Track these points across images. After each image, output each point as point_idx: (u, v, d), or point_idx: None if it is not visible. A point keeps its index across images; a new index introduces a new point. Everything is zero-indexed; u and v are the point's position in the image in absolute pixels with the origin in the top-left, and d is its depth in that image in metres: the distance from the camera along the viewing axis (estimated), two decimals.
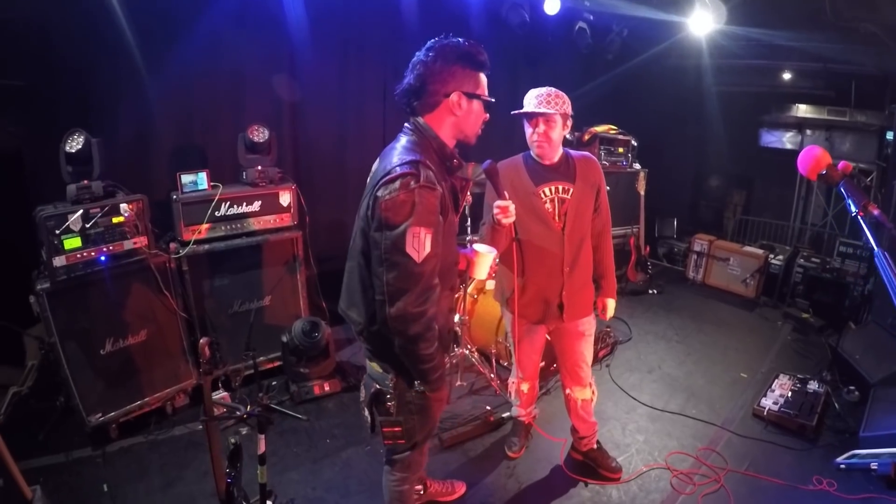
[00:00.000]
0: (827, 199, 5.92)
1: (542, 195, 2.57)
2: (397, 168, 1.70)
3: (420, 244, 1.66)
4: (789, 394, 3.67)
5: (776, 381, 3.86)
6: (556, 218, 2.58)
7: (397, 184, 1.67)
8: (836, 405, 3.64)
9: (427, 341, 1.78)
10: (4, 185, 3.20)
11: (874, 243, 1.37)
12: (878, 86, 5.18)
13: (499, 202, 2.23)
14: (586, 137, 5.52)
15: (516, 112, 2.54)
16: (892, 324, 3.97)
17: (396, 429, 2.03)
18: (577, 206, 2.60)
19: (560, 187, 2.58)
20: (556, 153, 2.61)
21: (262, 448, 2.23)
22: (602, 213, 2.76)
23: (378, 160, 1.91)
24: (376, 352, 1.98)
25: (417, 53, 1.79)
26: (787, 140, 6.07)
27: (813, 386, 3.75)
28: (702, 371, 4.24)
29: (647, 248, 5.83)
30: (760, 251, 5.63)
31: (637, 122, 5.95)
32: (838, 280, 5.03)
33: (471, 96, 1.82)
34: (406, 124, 1.87)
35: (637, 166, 5.79)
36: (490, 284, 3.92)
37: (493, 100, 1.87)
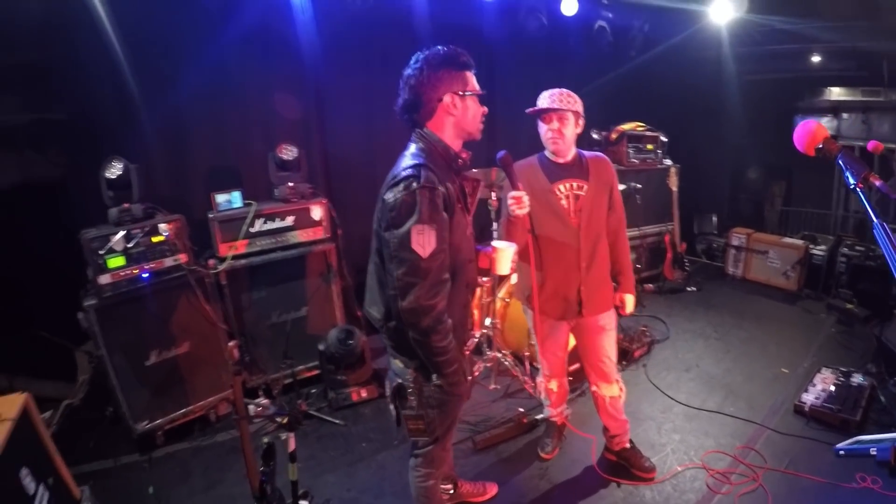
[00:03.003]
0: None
1: (558, 192, 2.63)
2: (401, 172, 1.84)
3: (425, 241, 1.78)
4: (832, 388, 3.55)
5: (818, 375, 3.74)
6: (573, 214, 2.64)
7: (401, 186, 1.81)
8: (882, 398, 3.51)
9: (439, 333, 1.87)
10: (51, 211, 3.42)
11: (873, 215, 1.35)
12: None
13: (513, 192, 2.31)
14: (614, 136, 5.48)
15: (531, 110, 2.61)
16: None
17: (419, 422, 2.11)
18: (591, 202, 2.65)
19: (575, 184, 2.64)
20: (570, 151, 2.67)
21: (291, 446, 2.34)
22: (616, 211, 2.80)
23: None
24: (396, 347, 2.08)
25: (405, 70, 1.93)
26: (823, 125, 5.88)
27: (857, 379, 3.63)
28: (741, 368, 4.16)
29: (684, 245, 5.74)
30: (800, 242, 5.48)
31: (666, 117, 5.88)
32: (883, 268, 4.83)
33: (462, 94, 1.93)
34: (413, 135, 2.00)
35: (668, 162, 5.71)
36: None
37: (484, 92, 2.00)
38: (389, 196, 1.83)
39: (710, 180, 6.72)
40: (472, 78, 1.98)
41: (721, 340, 4.64)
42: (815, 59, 5.54)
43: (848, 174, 1.42)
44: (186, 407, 3.50)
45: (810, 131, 1.57)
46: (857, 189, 1.40)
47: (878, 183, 1.38)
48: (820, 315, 4.99)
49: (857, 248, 5.21)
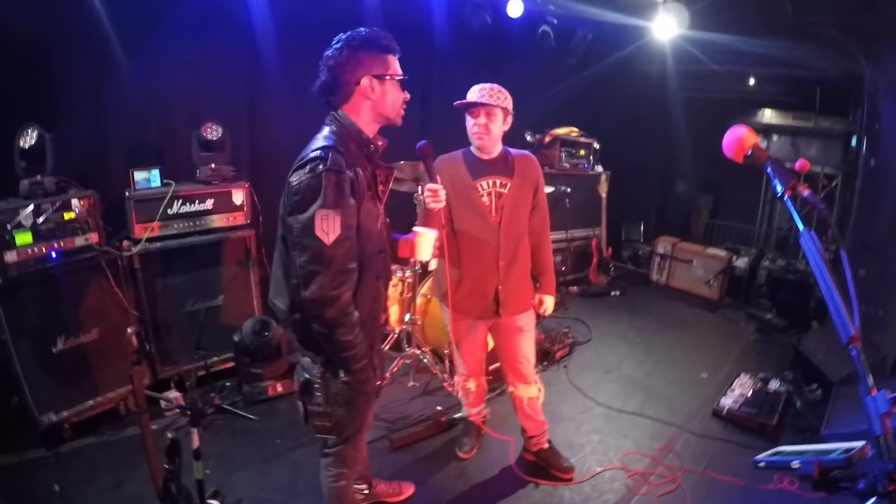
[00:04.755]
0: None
1: (480, 188, 2.58)
2: (309, 154, 1.76)
3: (329, 227, 1.69)
4: (750, 393, 3.66)
5: (737, 380, 3.86)
6: (493, 212, 2.59)
7: (306, 168, 1.73)
8: (798, 404, 3.65)
9: (344, 326, 1.79)
10: None
11: (800, 224, 1.33)
12: (842, 91, 5.24)
13: (430, 185, 2.25)
14: (547, 139, 5.54)
15: (458, 103, 2.54)
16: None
17: (325, 420, 2.02)
18: (514, 201, 2.61)
19: (498, 181, 2.59)
20: (496, 148, 2.63)
21: (195, 443, 2.21)
22: (541, 212, 2.78)
23: None
24: (302, 341, 1.98)
25: (325, 51, 1.86)
26: (753, 131, 6.09)
27: (774, 385, 3.75)
28: (662, 372, 4.24)
29: (610, 250, 5.86)
30: (724, 253, 5.66)
31: (602, 126, 5.99)
32: (802, 281, 5.06)
33: (381, 78, 1.86)
34: (327, 117, 1.92)
35: (599, 169, 5.82)
36: None
37: (406, 77, 1.92)
38: (294, 179, 1.75)
39: (639, 189, 6.88)
40: (394, 62, 1.91)
41: (643, 344, 4.73)
42: (751, 81, 5.75)
43: (776, 182, 1.41)
44: (95, 398, 3.28)
45: (739, 138, 1.53)
46: (785, 197, 1.38)
47: (805, 192, 1.35)
48: (740, 324, 5.16)
49: (779, 261, 5.44)
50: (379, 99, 1.88)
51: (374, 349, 2.01)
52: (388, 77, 1.88)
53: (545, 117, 5.66)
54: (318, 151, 1.74)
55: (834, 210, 5.36)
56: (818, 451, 1.23)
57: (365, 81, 1.84)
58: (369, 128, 1.93)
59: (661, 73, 5.97)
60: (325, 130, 1.87)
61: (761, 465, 1.34)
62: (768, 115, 5.92)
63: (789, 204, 1.39)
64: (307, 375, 1.98)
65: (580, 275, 5.92)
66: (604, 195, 5.62)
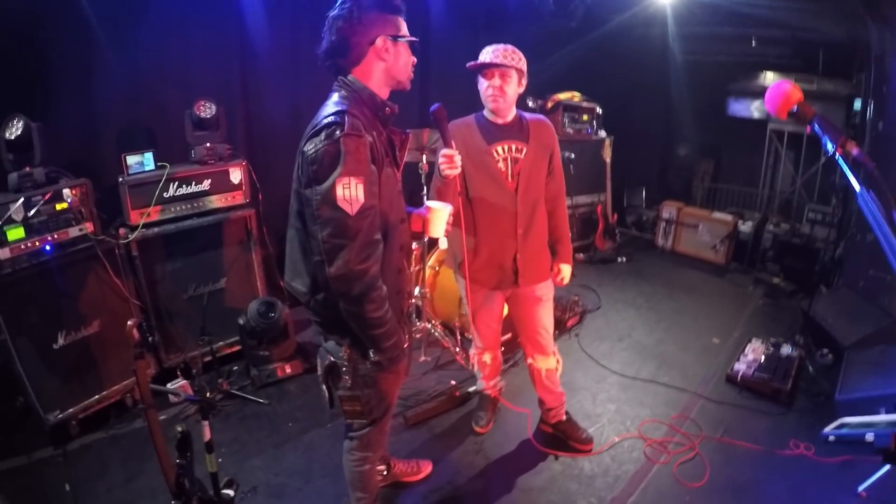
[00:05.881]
0: (795, 166, 5.89)
1: (495, 154, 2.48)
2: (323, 120, 1.63)
3: (352, 195, 1.58)
4: (762, 358, 3.63)
5: (749, 345, 3.82)
6: (510, 178, 2.49)
7: (322, 136, 1.61)
8: (811, 368, 3.62)
9: (373, 302, 1.69)
10: None
11: (857, 182, 1.27)
12: (846, 54, 5.12)
13: (445, 150, 2.14)
14: (549, 105, 5.43)
15: (472, 64, 2.42)
16: (864, 287, 3.95)
17: (355, 403, 1.95)
18: (530, 166, 2.51)
19: (514, 146, 2.49)
20: (510, 111, 2.52)
21: (207, 435, 2.13)
22: (556, 178, 2.68)
23: None
24: (325, 324, 1.89)
25: (330, 12, 1.73)
26: (754, 109, 6.01)
27: (786, 350, 3.72)
28: (673, 338, 4.20)
29: (615, 216, 5.78)
30: (729, 217, 5.59)
31: (604, 90, 5.86)
32: (808, 245, 5.02)
33: (396, 39, 1.76)
34: (335, 83, 1.80)
35: (602, 134, 5.71)
36: None
37: (417, 39, 1.83)
38: (310, 147, 1.62)
39: (641, 155, 6.77)
40: (403, 24, 1.81)
41: (653, 310, 4.68)
42: (753, 43, 5.61)
43: (826, 140, 1.34)
44: (100, 392, 3.20)
45: (784, 93, 1.48)
46: (837, 156, 1.31)
47: (855, 151, 1.29)
48: (748, 288, 5.11)
49: (782, 225, 5.38)
50: (393, 61, 1.78)
51: (400, 325, 1.91)
52: (400, 38, 1.78)
53: (547, 83, 5.50)
54: (333, 116, 1.63)
55: (835, 174, 5.30)
56: (890, 422, 1.17)
57: (379, 42, 1.73)
58: (382, 91, 1.82)
59: (661, 36, 5.84)
60: (335, 96, 1.75)
61: (831, 438, 1.29)
62: (770, 78, 5.78)
63: (841, 162, 1.32)
64: (332, 358, 1.90)
65: (586, 241, 5.84)
66: (608, 160, 5.51)
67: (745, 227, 5.53)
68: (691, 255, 5.79)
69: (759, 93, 5.88)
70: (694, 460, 2.92)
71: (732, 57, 5.83)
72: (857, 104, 4.99)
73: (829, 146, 1.33)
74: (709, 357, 3.91)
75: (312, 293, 1.83)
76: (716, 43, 5.79)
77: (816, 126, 1.37)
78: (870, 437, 1.13)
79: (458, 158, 2.14)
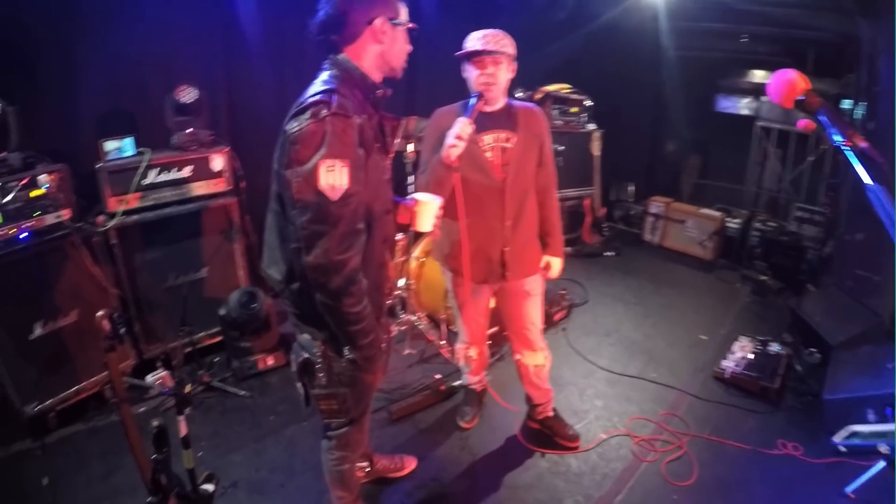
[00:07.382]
0: (783, 164, 5.89)
1: (483, 143, 2.41)
2: (308, 99, 1.54)
3: (335, 179, 1.49)
4: (750, 356, 3.61)
5: (736, 343, 3.80)
6: (498, 168, 2.43)
7: (307, 114, 1.51)
8: (798, 367, 3.61)
9: (352, 297, 1.60)
10: None
11: (868, 177, 1.22)
12: (836, 53, 5.11)
13: (462, 119, 2.15)
14: (538, 96, 5.35)
15: (461, 52, 2.34)
16: (852, 287, 3.95)
17: (331, 401, 1.88)
18: (519, 156, 2.44)
19: (502, 135, 2.42)
20: (500, 99, 2.44)
21: (182, 430, 2.04)
22: (547, 168, 2.60)
23: None
24: (301, 315, 1.80)
25: None
26: (742, 106, 6.01)
27: (774, 348, 3.70)
28: (661, 333, 4.18)
29: (604, 210, 5.75)
30: (717, 213, 5.58)
31: (594, 84, 5.79)
32: (795, 243, 5.01)
33: (396, 23, 1.68)
34: (325, 62, 1.70)
35: (591, 126, 5.66)
36: None
37: (417, 26, 1.76)
38: (293, 126, 1.53)
39: (629, 150, 6.73)
40: (405, 10, 1.74)
41: (640, 305, 4.66)
42: (745, 39, 5.59)
43: (834, 132, 1.29)
44: (79, 384, 3.13)
45: (789, 81, 1.41)
46: (845, 148, 1.26)
47: (863, 144, 1.25)
48: (735, 284, 5.10)
49: (769, 223, 5.37)
50: (389, 45, 1.70)
51: (379, 322, 1.83)
52: (400, 23, 1.71)
53: (535, 75, 5.45)
54: (321, 95, 1.54)
55: (823, 173, 5.31)
56: None
57: (378, 23, 1.65)
58: (374, 75, 1.73)
59: (651, 30, 5.78)
60: (325, 75, 1.66)
61: (842, 448, 1.25)
62: (759, 76, 5.78)
63: (850, 155, 1.27)
64: (306, 354, 1.82)
65: (573, 235, 5.80)
66: (597, 153, 5.47)
67: (733, 223, 5.52)
68: (679, 251, 5.78)
69: (748, 90, 5.91)
70: (682, 458, 2.90)
71: (722, 53, 5.81)
72: (846, 104, 4.98)
73: (838, 138, 1.28)
74: (697, 354, 3.89)
75: (287, 282, 1.74)
76: (706, 39, 5.76)
77: (823, 117, 1.32)
78: (884, 448, 1.09)
79: (470, 129, 2.15)
